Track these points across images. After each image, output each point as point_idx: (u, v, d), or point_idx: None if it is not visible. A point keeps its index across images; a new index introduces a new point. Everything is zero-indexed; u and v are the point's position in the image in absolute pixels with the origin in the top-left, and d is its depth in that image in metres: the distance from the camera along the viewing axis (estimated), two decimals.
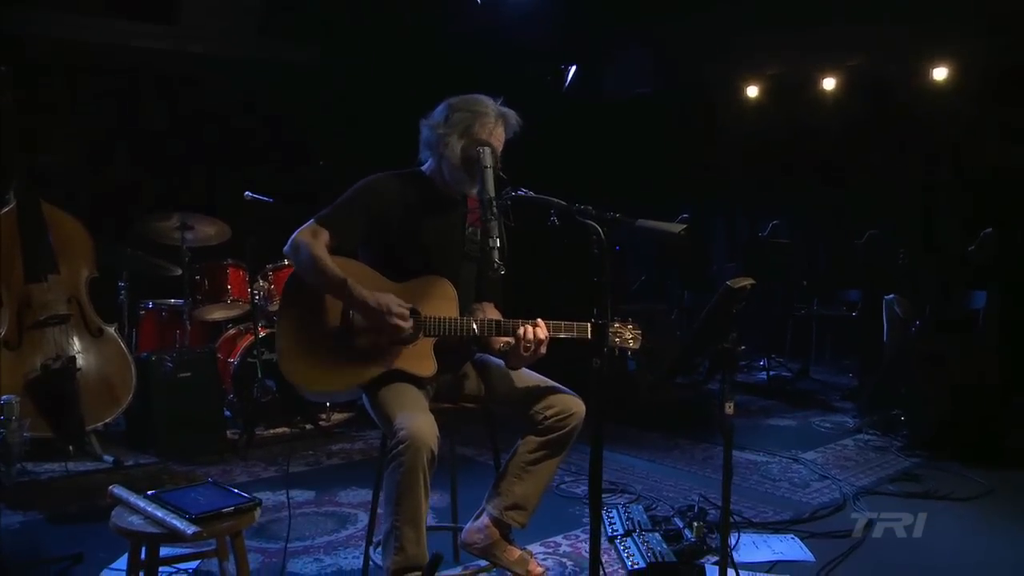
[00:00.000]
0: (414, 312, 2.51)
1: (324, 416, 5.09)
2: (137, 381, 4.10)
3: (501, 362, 2.68)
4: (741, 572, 2.77)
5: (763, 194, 7.39)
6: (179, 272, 4.84)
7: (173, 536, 2.23)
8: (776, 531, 3.32)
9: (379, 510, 2.54)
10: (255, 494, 2.43)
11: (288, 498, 3.45)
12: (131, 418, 4.45)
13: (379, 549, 2.52)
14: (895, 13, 5.72)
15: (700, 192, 7.63)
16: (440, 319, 2.54)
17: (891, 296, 5.12)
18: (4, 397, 3.00)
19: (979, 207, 5.76)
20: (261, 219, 4.54)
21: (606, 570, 2.86)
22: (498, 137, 2.58)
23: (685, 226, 2.40)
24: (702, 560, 2.98)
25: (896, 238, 5.72)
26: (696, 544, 3.06)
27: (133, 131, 5.81)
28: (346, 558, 3.10)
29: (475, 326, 2.55)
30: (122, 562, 2.72)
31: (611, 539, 3.17)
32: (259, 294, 4.72)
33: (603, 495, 2.61)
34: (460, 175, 2.58)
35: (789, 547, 3.15)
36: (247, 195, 4.59)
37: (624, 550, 3.05)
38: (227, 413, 4.79)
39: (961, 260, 4.82)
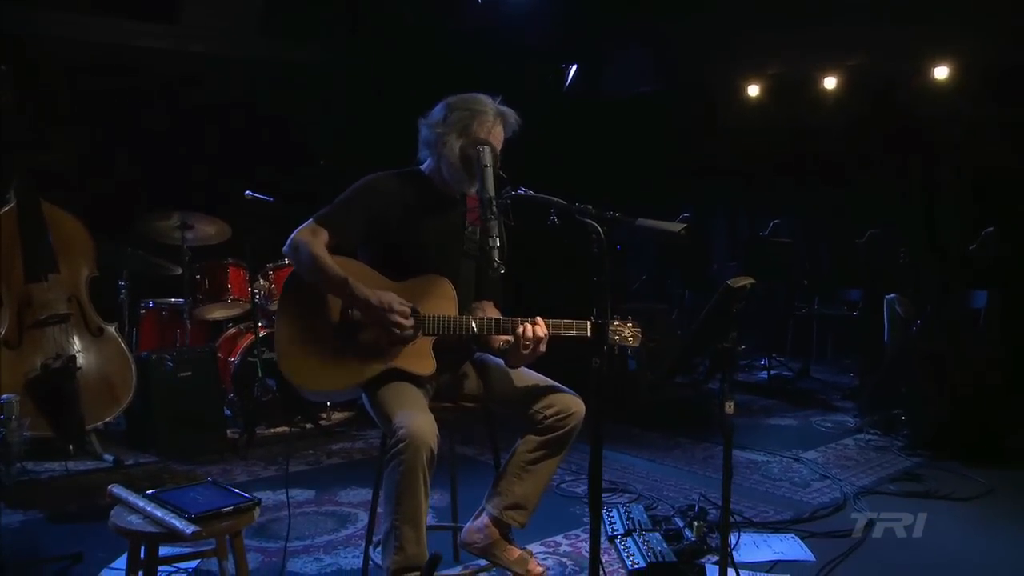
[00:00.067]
0: (414, 311, 2.51)
1: (324, 415, 5.09)
2: (137, 380, 4.11)
3: (501, 362, 2.68)
4: (741, 572, 2.77)
5: (764, 193, 7.39)
6: (179, 271, 4.84)
7: (172, 536, 2.24)
8: (776, 531, 3.32)
9: (379, 509, 2.54)
10: (255, 493, 2.43)
11: (288, 497, 3.44)
12: (131, 417, 4.45)
13: (379, 548, 2.52)
14: (896, 12, 5.72)
15: (701, 191, 7.63)
16: (439, 317, 2.54)
17: (892, 295, 5.12)
18: (4, 396, 3.00)
19: (980, 206, 5.75)
20: (261, 218, 4.54)
21: (606, 570, 2.86)
22: (497, 136, 2.58)
23: (685, 225, 2.39)
24: (702, 560, 2.98)
25: (897, 237, 5.71)
26: (696, 544, 3.06)
27: (133, 131, 5.81)
28: (346, 558, 3.10)
29: (474, 324, 2.55)
30: (121, 561, 2.72)
31: (611, 539, 3.17)
32: (259, 293, 4.73)
33: (603, 494, 2.60)
34: (459, 174, 2.58)
35: (789, 547, 3.15)
36: (248, 194, 4.59)
37: (624, 550, 3.05)
38: (227, 412, 4.79)
39: (962, 260, 4.81)
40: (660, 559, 2.92)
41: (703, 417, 5.33)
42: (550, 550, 3.14)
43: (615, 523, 3.29)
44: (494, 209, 2.32)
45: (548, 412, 2.59)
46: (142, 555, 2.33)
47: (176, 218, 4.74)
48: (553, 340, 2.54)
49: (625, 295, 6.85)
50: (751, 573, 2.89)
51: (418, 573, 2.38)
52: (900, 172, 6.52)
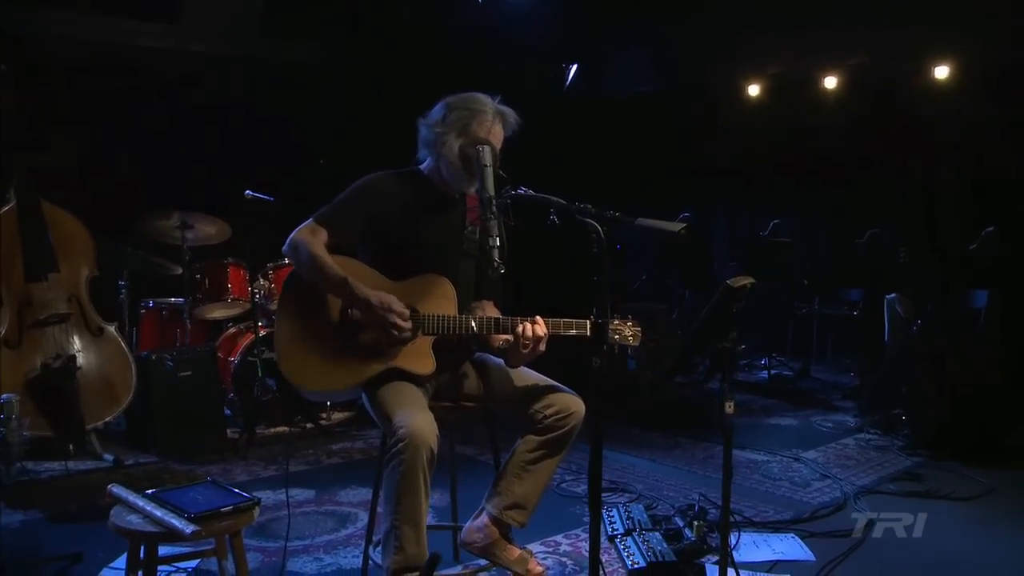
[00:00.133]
0: (413, 311, 2.51)
1: (324, 415, 5.09)
2: (137, 380, 4.11)
3: (500, 361, 2.68)
4: (741, 571, 2.77)
5: (764, 193, 7.38)
6: (179, 271, 4.84)
7: (172, 535, 2.23)
8: (776, 530, 3.32)
9: (379, 509, 2.54)
10: (255, 493, 2.43)
11: (288, 497, 3.44)
12: (131, 417, 4.45)
13: (379, 548, 2.52)
14: (896, 12, 5.71)
15: (701, 191, 7.62)
16: (439, 317, 2.54)
17: (892, 295, 5.12)
18: (4, 396, 3.00)
19: (980, 206, 5.75)
20: (261, 218, 4.55)
21: (606, 569, 2.86)
22: (496, 135, 2.58)
23: (685, 225, 2.39)
24: (702, 559, 2.98)
25: (897, 237, 5.71)
26: (696, 543, 3.05)
27: (133, 131, 5.81)
28: (346, 557, 3.10)
29: (474, 324, 2.55)
30: (121, 561, 2.72)
31: (611, 538, 3.17)
32: (259, 293, 4.73)
33: (603, 494, 2.60)
34: (459, 174, 2.58)
35: (789, 546, 3.15)
36: (248, 194, 4.60)
37: (624, 549, 3.05)
38: (227, 412, 4.79)
39: (962, 259, 4.81)
40: (660, 559, 2.92)
41: (703, 417, 5.33)
42: (550, 550, 3.14)
43: (615, 523, 3.29)
44: (494, 209, 2.32)
45: (548, 412, 2.59)
46: (142, 555, 2.33)
47: (176, 218, 4.74)
48: (553, 340, 2.54)
49: (625, 295, 6.85)
50: (751, 573, 2.89)
51: (418, 573, 2.38)
52: (900, 172, 6.52)
